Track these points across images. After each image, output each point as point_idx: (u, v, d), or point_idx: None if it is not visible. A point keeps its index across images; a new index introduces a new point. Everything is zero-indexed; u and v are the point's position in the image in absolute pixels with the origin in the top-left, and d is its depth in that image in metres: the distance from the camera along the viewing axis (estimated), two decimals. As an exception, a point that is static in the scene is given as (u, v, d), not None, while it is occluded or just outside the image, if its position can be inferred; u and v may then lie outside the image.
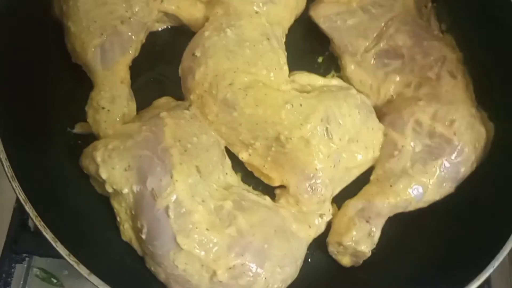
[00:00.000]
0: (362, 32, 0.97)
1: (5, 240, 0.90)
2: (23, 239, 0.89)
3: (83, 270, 0.70)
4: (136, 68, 0.96)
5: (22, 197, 0.71)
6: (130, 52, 0.91)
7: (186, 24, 1.00)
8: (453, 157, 0.89)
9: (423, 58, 0.95)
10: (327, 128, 0.85)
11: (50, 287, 1.01)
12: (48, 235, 0.70)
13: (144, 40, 0.97)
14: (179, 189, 0.77)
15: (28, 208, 0.71)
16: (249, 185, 0.93)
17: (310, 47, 1.05)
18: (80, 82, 0.93)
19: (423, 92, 0.94)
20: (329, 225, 0.90)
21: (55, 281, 1.01)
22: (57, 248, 0.69)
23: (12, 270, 0.93)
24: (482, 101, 0.97)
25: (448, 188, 0.90)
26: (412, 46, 0.96)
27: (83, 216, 0.85)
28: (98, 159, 0.79)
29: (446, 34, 1.05)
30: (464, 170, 0.90)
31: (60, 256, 0.74)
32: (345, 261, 0.88)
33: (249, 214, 0.80)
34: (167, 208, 0.76)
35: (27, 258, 0.95)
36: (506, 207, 0.86)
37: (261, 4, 0.94)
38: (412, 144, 0.90)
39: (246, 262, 0.77)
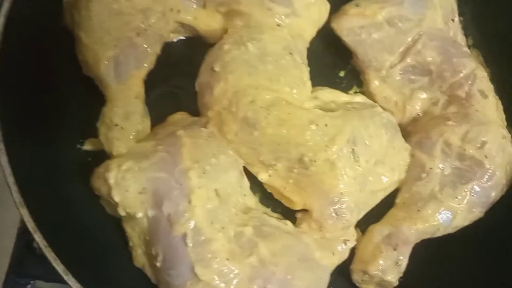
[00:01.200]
0: (388, 46, 0.93)
1: (9, 263, 0.85)
2: (28, 262, 0.85)
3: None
4: (150, 81, 0.91)
5: (31, 226, 0.66)
6: (146, 65, 0.87)
7: (203, 36, 0.95)
8: (484, 181, 0.84)
9: (452, 76, 0.91)
10: (353, 150, 0.80)
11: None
12: (59, 267, 0.65)
13: (159, 52, 0.92)
14: (198, 215, 0.73)
15: (38, 237, 0.66)
16: (268, 207, 0.88)
17: (331, 60, 1.00)
18: (91, 96, 0.88)
19: (451, 111, 0.90)
20: (352, 251, 0.85)
21: (58, 305, 0.96)
22: (69, 282, 0.64)
23: (16, 294, 0.88)
24: (510, 121, 0.93)
25: (478, 213, 0.86)
26: (441, 63, 0.91)
27: (93, 240, 0.81)
28: (111, 180, 0.75)
29: (473, 49, 1.01)
30: (495, 195, 0.86)
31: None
32: (370, 290, 0.84)
33: (271, 241, 0.76)
34: (185, 236, 0.72)
35: (31, 282, 0.90)
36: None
37: (283, 17, 0.89)
38: (441, 166, 0.86)
39: (269, 294, 0.72)
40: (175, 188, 0.74)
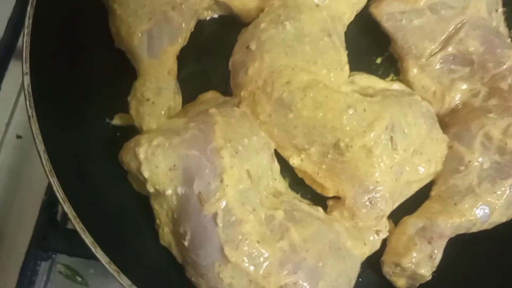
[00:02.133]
0: (429, 33, 0.89)
1: (32, 235, 0.84)
2: (52, 235, 0.83)
3: (124, 280, 0.63)
4: (180, 59, 0.89)
5: (61, 196, 0.64)
6: (179, 40, 0.85)
7: (237, 14, 0.92)
8: (525, 177, 0.81)
9: (495, 67, 0.87)
10: (391, 138, 0.77)
11: (73, 285, 0.95)
12: (88, 239, 0.64)
13: (193, 29, 0.89)
14: (229, 195, 0.70)
15: (67, 208, 0.64)
16: (298, 193, 0.86)
17: (368, 46, 0.97)
18: (122, 70, 0.87)
19: (492, 104, 0.86)
20: (383, 243, 0.82)
21: (79, 279, 0.95)
22: (97, 255, 0.63)
23: (38, 268, 0.87)
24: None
25: (516, 210, 0.82)
26: (484, 53, 0.88)
27: (119, 216, 0.80)
28: (141, 155, 0.73)
29: (515, 41, 0.96)
30: (535, 192, 0.82)
31: (93, 258, 0.68)
32: (401, 283, 0.81)
33: (302, 227, 0.73)
34: (215, 215, 0.70)
35: (53, 256, 0.88)
36: None
37: (322, -3, 0.86)
38: (480, 159, 0.82)
39: (300, 281, 0.70)
40: (206, 166, 0.71)
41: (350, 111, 0.77)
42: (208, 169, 0.71)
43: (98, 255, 0.63)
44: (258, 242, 0.70)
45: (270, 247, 0.70)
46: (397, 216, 0.85)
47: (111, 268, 0.63)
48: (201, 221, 0.70)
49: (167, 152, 0.73)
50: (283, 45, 0.80)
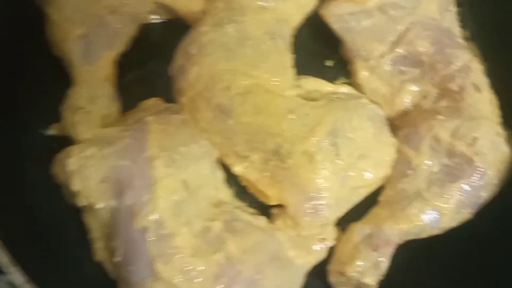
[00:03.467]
0: (378, 35, 0.87)
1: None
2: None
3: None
4: (125, 64, 0.87)
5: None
6: (118, 46, 0.83)
7: (183, 18, 0.90)
8: (473, 180, 0.79)
9: (445, 68, 0.85)
10: (335, 143, 0.75)
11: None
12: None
13: (135, 33, 0.87)
14: (161, 208, 0.68)
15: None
16: (243, 202, 0.83)
17: (319, 49, 0.95)
18: (59, 78, 0.83)
19: (443, 105, 0.85)
20: (331, 251, 0.80)
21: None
22: (12, 275, 0.59)
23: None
24: (507, 118, 0.87)
25: (466, 214, 0.80)
26: (434, 54, 0.86)
27: (54, 231, 0.76)
28: (71, 167, 0.70)
29: (470, 42, 0.95)
30: (486, 195, 0.81)
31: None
32: (347, 293, 0.79)
33: (241, 237, 0.71)
34: (145, 229, 0.67)
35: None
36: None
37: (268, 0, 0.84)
38: (428, 163, 0.80)
39: (235, 295, 0.67)
40: (138, 177, 0.69)
41: (291, 116, 0.75)
42: (140, 180, 0.69)
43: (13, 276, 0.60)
44: (191, 255, 0.67)
45: (205, 260, 0.68)
46: (346, 223, 0.83)
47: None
48: (131, 235, 0.67)
49: (99, 163, 0.70)
50: (224, 48, 0.78)
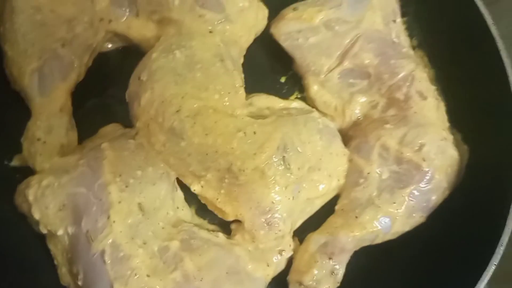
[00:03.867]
0: (325, 50, 0.91)
1: None
2: None
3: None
4: (83, 92, 0.89)
5: None
6: (72, 77, 0.85)
7: (137, 45, 0.92)
8: (422, 184, 0.82)
9: (390, 78, 0.89)
10: (284, 158, 0.78)
11: None
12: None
13: (90, 63, 0.90)
14: (116, 231, 0.70)
15: None
16: (205, 219, 0.86)
17: (273, 66, 0.98)
18: (20, 111, 0.86)
19: (390, 114, 0.88)
20: (290, 262, 0.83)
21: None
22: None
23: None
24: (456, 121, 0.91)
25: (418, 218, 0.83)
26: (379, 65, 0.90)
27: (18, 258, 0.78)
28: (31, 197, 0.72)
29: (418, 50, 0.99)
30: (436, 198, 0.84)
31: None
32: (307, 301, 0.81)
33: (198, 255, 0.73)
34: (103, 253, 0.69)
35: None
36: (482, 235, 0.80)
37: (215, 23, 0.87)
38: (378, 171, 0.84)
39: (191, 311, 0.70)
40: (94, 203, 0.71)
41: (240, 135, 0.78)
42: (96, 206, 0.71)
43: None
44: (148, 275, 0.70)
45: (162, 279, 0.70)
46: (305, 233, 0.85)
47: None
48: (90, 260, 0.70)
49: (56, 191, 0.72)
50: (173, 73, 0.81)
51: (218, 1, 0.87)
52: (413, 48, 0.98)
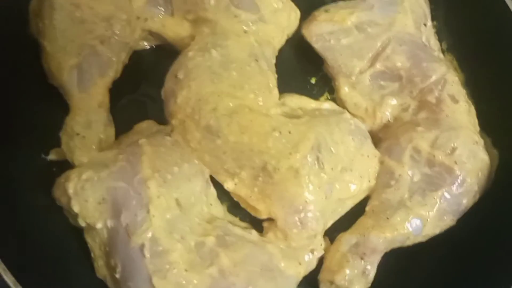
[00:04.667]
0: (357, 52, 0.92)
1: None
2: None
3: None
4: (118, 89, 0.90)
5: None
6: (110, 73, 0.86)
7: (172, 43, 0.94)
8: (454, 188, 0.83)
9: (422, 81, 0.90)
10: (318, 157, 0.79)
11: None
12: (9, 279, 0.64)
13: (126, 61, 0.91)
14: (155, 226, 0.71)
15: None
16: (236, 216, 0.87)
17: (303, 67, 0.99)
18: (57, 105, 0.87)
19: (422, 117, 0.89)
20: (321, 261, 0.84)
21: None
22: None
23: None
24: (486, 126, 0.92)
25: (449, 221, 0.84)
26: (411, 68, 0.90)
27: (57, 251, 0.80)
28: (70, 190, 0.74)
29: (447, 53, 1.00)
30: (467, 202, 0.84)
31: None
32: (337, 300, 0.82)
33: (233, 251, 0.74)
34: (142, 246, 0.71)
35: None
36: (510, 240, 0.80)
37: (250, 23, 0.88)
38: (410, 173, 0.84)
39: (228, 306, 0.71)
40: (133, 197, 0.73)
41: (275, 134, 0.79)
42: (135, 200, 0.73)
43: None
44: (186, 270, 0.71)
45: (199, 274, 0.71)
46: (336, 233, 0.86)
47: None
48: (129, 253, 0.71)
49: (96, 185, 0.74)
50: (210, 72, 0.82)
51: (253, 1, 0.89)
52: (443, 51, 0.99)
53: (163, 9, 0.92)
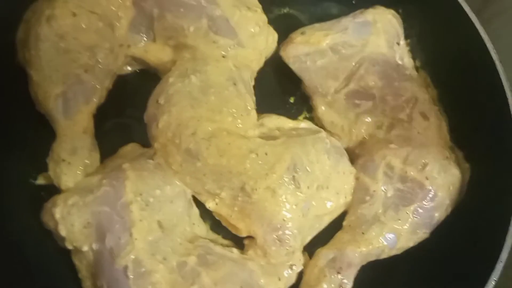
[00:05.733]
0: (332, 72, 0.95)
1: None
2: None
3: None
4: (103, 113, 0.94)
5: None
6: (94, 100, 0.89)
7: (154, 68, 0.97)
8: (426, 202, 0.86)
9: (394, 99, 0.93)
10: (294, 177, 0.83)
11: None
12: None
13: (110, 86, 0.94)
14: (138, 248, 0.75)
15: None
16: (219, 234, 0.90)
17: (282, 87, 1.03)
18: (45, 131, 0.90)
19: (394, 134, 0.92)
20: (301, 275, 0.87)
21: None
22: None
23: None
24: (458, 140, 0.96)
25: (422, 234, 0.88)
26: (383, 87, 0.94)
27: (46, 272, 0.83)
28: (57, 215, 0.77)
29: (421, 70, 1.03)
30: (439, 215, 0.88)
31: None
32: (316, 315, 0.85)
33: (214, 269, 0.78)
34: (126, 268, 0.74)
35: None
36: (483, 250, 0.84)
37: (228, 48, 0.92)
38: (383, 188, 0.88)
39: (208, 324, 0.74)
40: (117, 221, 0.76)
41: (252, 156, 0.82)
42: (119, 224, 0.76)
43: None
44: (167, 290, 0.74)
45: (181, 293, 0.74)
46: (314, 247, 0.90)
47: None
48: (114, 274, 0.74)
49: (81, 210, 0.77)
50: (189, 97, 0.86)
51: (230, 27, 0.92)
52: (417, 69, 1.03)
53: (145, 36, 0.95)
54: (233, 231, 0.87)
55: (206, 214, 0.90)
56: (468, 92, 0.97)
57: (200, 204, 0.89)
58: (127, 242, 0.75)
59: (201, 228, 0.87)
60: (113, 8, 0.91)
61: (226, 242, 0.89)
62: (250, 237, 0.86)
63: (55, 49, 0.87)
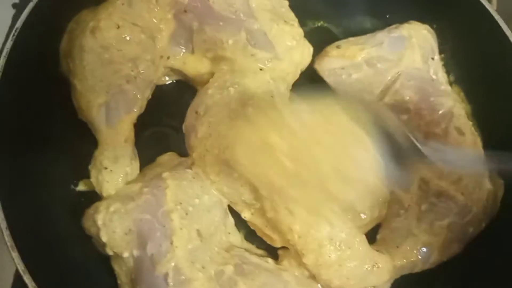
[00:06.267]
0: (367, 86, 0.97)
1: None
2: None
3: None
4: (142, 122, 0.96)
5: (21, 268, 0.70)
6: (135, 110, 0.91)
7: (192, 79, 1.00)
8: (460, 217, 0.87)
9: (430, 114, 0.94)
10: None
11: None
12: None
13: (150, 96, 0.97)
14: (178, 256, 0.77)
15: (27, 279, 0.70)
16: (252, 243, 0.92)
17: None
18: (86, 139, 0.93)
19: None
20: None
21: None
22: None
23: None
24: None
25: (455, 249, 0.88)
26: (418, 101, 0.95)
27: (84, 277, 0.85)
28: (99, 222, 0.79)
29: (455, 85, 1.04)
30: (472, 231, 0.88)
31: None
32: (350, 326, 0.86)
33: (250, 279, 0.79)
34: (166, 275, 0.76)
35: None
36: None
37: (266, 61, 0.94)
38: (418, 203, 0.88)
39: (247, 333, 0.76)
40: (158, 229, 0.78)
41: (290, 168, 0.83)
42: (159, 232, 0.78)
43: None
44: (207, 298, 0.76)
45: (219, 302, 0.76)
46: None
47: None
48: (154, 281, 0.76)
49: (123, 217, 0.79)
50: (228, 109, 0.88)
51: (268, 41, 0.94)
52: (450, 84, 1.03)
53: (184, 48, 0.98)
54: (268, 241, 0.88)
55: (240, 223, 0.91)
56: (502, 107, 0.97)
57: (234, 213, 0.91)
58: (168, 250, 0.77)
59: (236, 238, 0.89)
60: (155, 21, 0.94)
61: (260, 251, 0.90)
62: (284, 248, 0.87)
63: (99, 60, 0.90)
